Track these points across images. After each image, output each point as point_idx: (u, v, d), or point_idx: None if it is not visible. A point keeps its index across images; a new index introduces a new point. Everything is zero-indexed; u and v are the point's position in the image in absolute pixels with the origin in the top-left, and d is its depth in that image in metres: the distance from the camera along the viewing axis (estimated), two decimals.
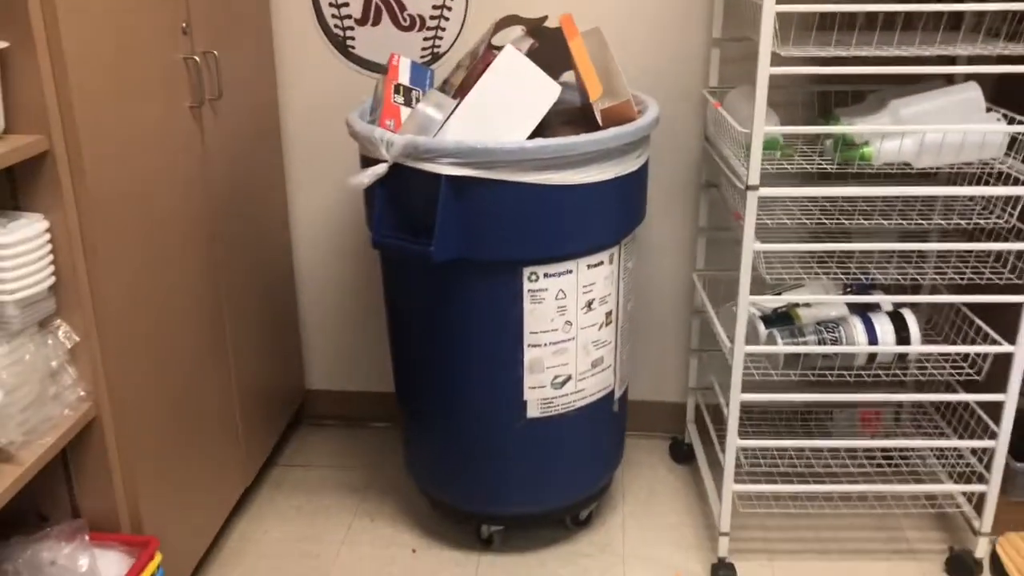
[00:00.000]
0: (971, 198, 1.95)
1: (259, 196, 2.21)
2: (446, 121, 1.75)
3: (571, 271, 1.82)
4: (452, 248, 1.74)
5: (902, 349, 1.89)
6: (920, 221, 1.90)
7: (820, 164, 1.85)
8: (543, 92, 1.77)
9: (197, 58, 1.82)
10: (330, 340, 2.58)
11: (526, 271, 1.79)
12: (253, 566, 2.07)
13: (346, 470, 2.43)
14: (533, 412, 1.91)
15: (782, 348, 1.90)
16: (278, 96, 2.33)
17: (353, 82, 2.30)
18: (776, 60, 1.64)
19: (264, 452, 2.30)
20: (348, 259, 2.48)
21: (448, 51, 2.25)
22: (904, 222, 1.89)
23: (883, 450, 2.25)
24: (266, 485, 2.36)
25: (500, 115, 1.75)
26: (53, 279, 1.46)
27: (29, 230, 1.40)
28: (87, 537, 1.56)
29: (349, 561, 2.08)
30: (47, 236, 1.44)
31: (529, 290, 1.80)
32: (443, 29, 2.23)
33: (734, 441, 1.91)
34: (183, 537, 1.85)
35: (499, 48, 1.80)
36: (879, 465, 2.28)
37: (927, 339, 2.15)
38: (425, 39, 2.25)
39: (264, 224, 2.25)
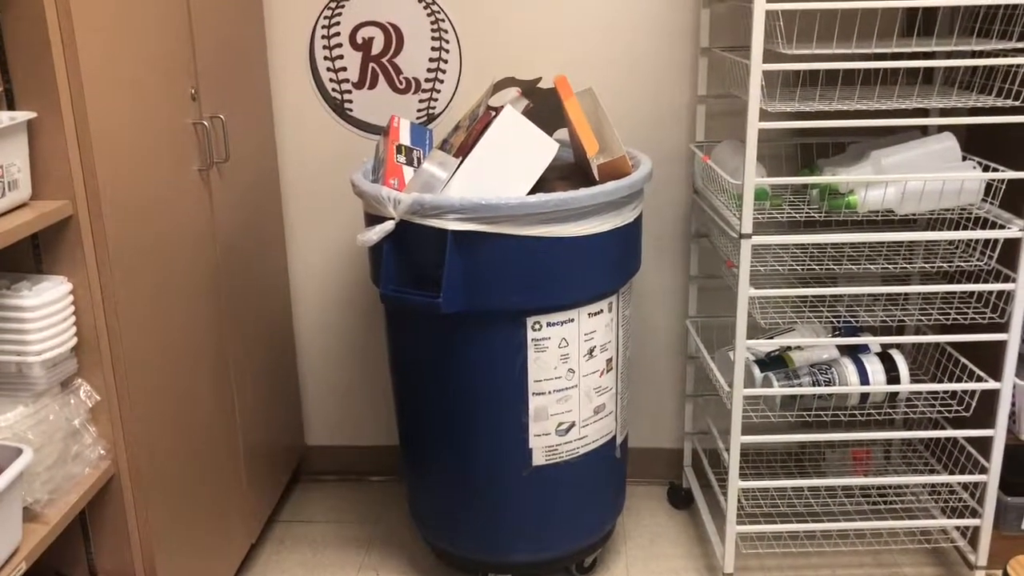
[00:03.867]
0: (952, 242, 2.04)
1: (261, 254, 2.26)
2: (450, 179, 1.82)
3: (573, 319, 1.88)
4: (459, 300, 1.80)
5: (893, 388, 1.96)
6: (905, 265, 1.99)
7: (808, 212, 1.93)
8: (542, 149, 1.84)
9: (206, 123, 1.88)
10: (329, 395, 2.61)
11: (530, 320, 1.84)
12: None
13: (348, 524, 2.44)
14: (539, 460, 1.95)
15: (780, 390, 1.96)
16: (278, 157, 2.39)
17: (351, 143, 2.37)
18: (763, 115, 1.73)
19: (268, 508, 2.32)
20: (347, 313, 2.53)
21: (443, 112, 2.33)
22: (889, 266, 1.98)
23: (878, 488, 2.31)
24: (270, 542, 2.37)
25: (501, 172, 1.82)
26: (75, 340, 1.50)
27: (53, 292, 1.44)
28: None
29: None
30: (70, 298, 1.48)
31: (533, 339, 1.86)
32: (438, 91, 2.32)
33: (735, 483, 1.96)
34: None
35: (497, 109, 1.88)
36: (874, 503, 2.33)
37: (914, 378, 2.23)
38: (421, 101, 2.33)
39: (265, 281, 2.30)
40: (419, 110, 2.34)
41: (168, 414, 1.74)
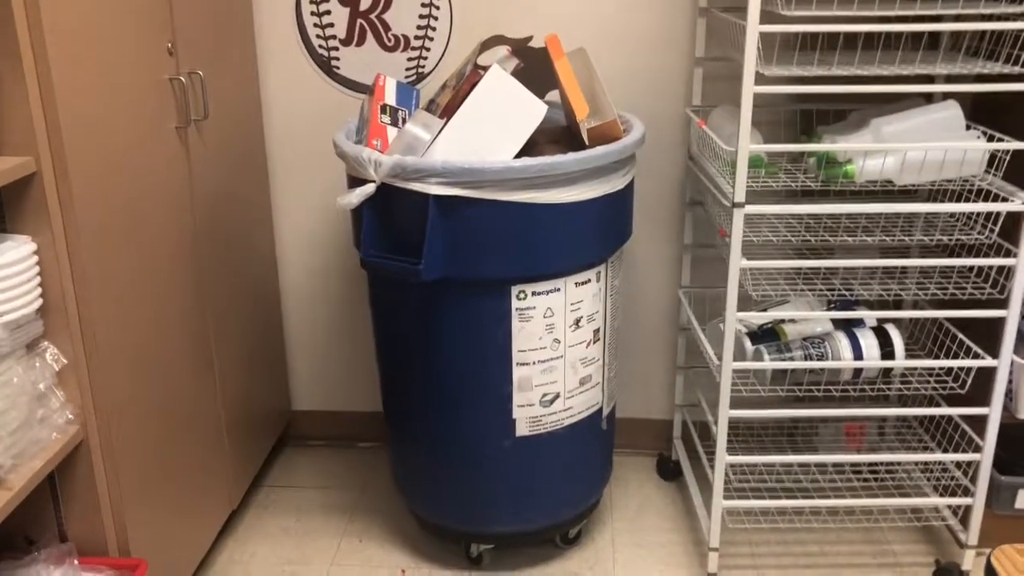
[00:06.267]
0: (952, 214, 1.98)
1: (244, 216, 2.21)
2: (433, 141, 1.76)
3: (559, 289, 1.83)
4: (440, 267, 1.75)
5: (888, 364, 1.91)
6: (903, 237, 1.93)
7: (804, 182, 1.87)
8: (530, 112, 1.78)
9: (183, 78, 1.82)
10: (316, 360, 2.57)
11: (514, 289, 1.79)
12: None
13: (333, 491, 2.42)
14: (522, 430, 1.91)
15: (769, 364, 1.92)
16: (263, 116, 2.33)
17: (338, 102, 2.30)
18: (759, 79, 1.66)
19: (251, 474, 2.29)
20: (334, 278, 2.48)
21: (433, 71, 2.26)
22: (887, 238, 1.92)
23: (869, 464, 2.27)
24: (253, 507, 2.35)
25: (487, 135, 1.76)
26: (41, 301, 1.46)
27: (17, 252, 1.39)
28: (76, 561, 1.54)
29: None
30: (35, 258, 1.44)
31: (517, 308, 1.81)
32: (428, 49, 2.25)
33: (723, 458, 1.92)
34: (170, 560, 1.84)
35: (485, 68, 1.81)
36: (865, 480, 2.30)
37: (910, 354, 2.18)
38: (410, 59, 2.26)
39: (249, 244, 2.25)
40: (408, 69, 2.27)
41: (141, 378, 1.70)
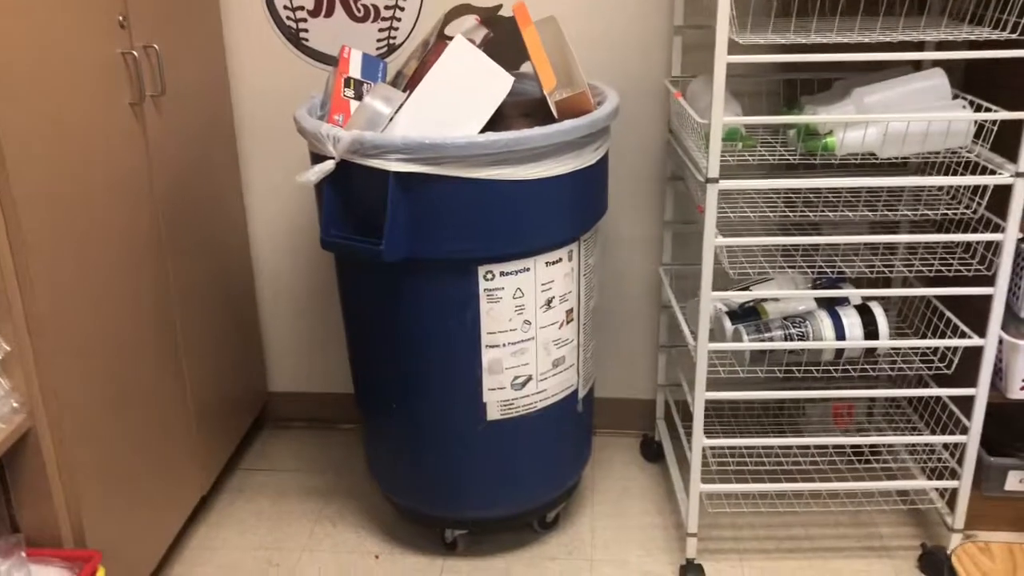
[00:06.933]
0: (938, 188, 1.90)
1: (212, 195, 2.14)
2: (394, 115, 1.69)
3: (528, 269, 1.76)
4: (403, 247, 1.68)
5: (868, 344, 1.84)
6: (886, 212, 1.85)
7: (783, 155, 1.79)
8: (495, 84, 1.71)
9: (136, 53, 1.75)
10: (293, 341, 2.52)
11: (481, 270, 1.73)
12: (211, 575, 2.01)
13: (310, 474, 2.37)
14: (493, 414, 1.85)
15: (744, 345, 1.85)
16: (230, 91, 2.26)
17: (307, 76, 2.23)
18: (733, 48, 1.59)
19: (222, 458, 2.24)
20: (310, 257, 2.42)
21: (404, 42, 2.19)
22: (870, 213, 1.84)
23: (854, 446, 2.21)
24: (227, 490, 2.31)
25: (451, 108, 1.69)
26: None
27: None
28: (24, 553, 1.49)
29: (310, 569, 2.03)
30: None
31: (485, 289, 1.74)
32: (398, 20, 2.17)
33: (700, 440, 1.86)
34: (133, 549, 1.79)
35: (451, 39, 1.74)
36: (850, 461, 2.23)
37: (897, 332, 2.11)
38: (380, 30, 2.18)
39: (218, 223, 2.19)
40: (379, 40, 2.19)
41: (95, 364, 1.64)
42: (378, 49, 2.20)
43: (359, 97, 1.83)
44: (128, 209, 1.75)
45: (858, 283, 2.04)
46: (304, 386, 2.57)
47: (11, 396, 1.48)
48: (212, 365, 2.15)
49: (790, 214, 1.84)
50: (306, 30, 2.19)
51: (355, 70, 1.88)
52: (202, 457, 2.10)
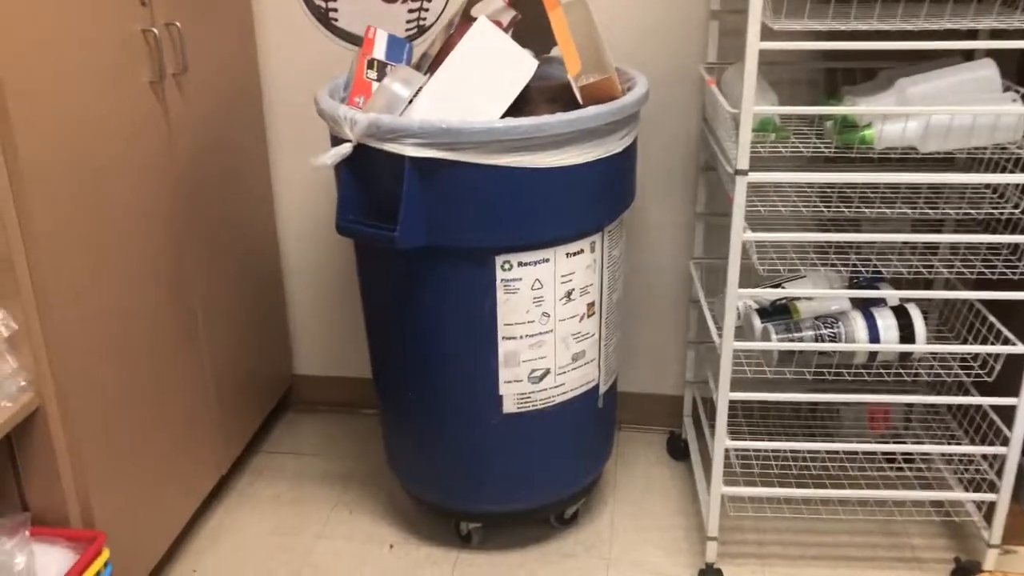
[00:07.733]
0: (984, 185, 1.80)
1: (237, 177, 2.13)
2: (413, 98, 1.64)
3: (548, 260, 1.71)
4: (419, 235, 1.64)
5: (901, 348, 1.75)
6: (926, 210, 1.76)
7: (818, 147, 1.71)
8: (519, 67, 1.65)
9: (156, 30, 1.73)
10: (320, 324, 2.50)
11: (499, 260, 1.68)
12: (224, 558, 2.00)
13: (330, 458, 2.35)
14: (509, 407, 1.81)
15: (771, 345, 1.77)
16: (259, 70, 2.23)
17: (338, 57, 2.20)
18: (769, 35, 1.51)
19: (243, 440, 2.23)
20: (338, 241, 2.39)
21: (435, 23, 2.14)
22: (909, 211, 1.75)
23: (885, 453, 2.12)
24: (247, 472, 2.30)
25: (472, 92, 1.64)
26: None
27: None
28: (28, 532, 1.49)
29: (323, 556, 2.01)
30: None
31: (502, 279, 1.70)
32: (429, 0, 2.12)
33: (723, 441, 1.80)
34: (145, 530, 1.79)
35: (476, 19, 1.69)
36: (880, 468, 2.15)
37: (937, 336, 2.01)
38: (410, 11, 2.14)
39: (244, 206, 2.17)
40: (409, 21, 2.15)
41: (107, 344, 1.63)
42: (407, 30, 2.15)
43: (382, 79, 1.79)
44: (147, 187, 1.74)
45: (896, 284, 1.95)
46: (330, 370, 2.55)
47: (19, 374, 1.47)
48: (234, 346, 2.13)
49: (824, 209, 1.76)
50: (335, 10, 2.15)
51: (380, 51, 1.84)
52: (221, 438, 2.09)
